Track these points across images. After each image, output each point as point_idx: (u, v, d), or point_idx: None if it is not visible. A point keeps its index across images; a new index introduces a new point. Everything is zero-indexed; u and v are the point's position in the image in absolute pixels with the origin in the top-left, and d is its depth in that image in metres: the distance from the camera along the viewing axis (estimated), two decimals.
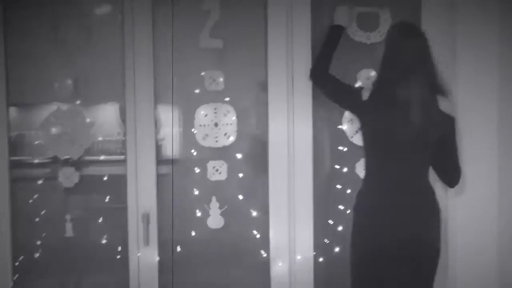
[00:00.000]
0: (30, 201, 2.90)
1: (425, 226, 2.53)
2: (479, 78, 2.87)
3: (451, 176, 2.65)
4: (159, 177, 2.94)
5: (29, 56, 2.89)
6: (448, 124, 2.55)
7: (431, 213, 2.56)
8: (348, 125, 2.97)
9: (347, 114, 2.97)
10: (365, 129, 2.58)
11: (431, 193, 2.57)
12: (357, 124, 2.87)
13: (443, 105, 2.53)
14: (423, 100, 2.47)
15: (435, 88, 2.54)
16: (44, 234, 2.92)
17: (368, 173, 2.59)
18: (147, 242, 2.91)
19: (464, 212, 2.89)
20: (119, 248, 2.92)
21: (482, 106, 2.88)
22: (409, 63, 2.47)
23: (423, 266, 2.55)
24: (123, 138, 2.91)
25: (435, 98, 2.52)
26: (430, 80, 2.50)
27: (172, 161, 2.96)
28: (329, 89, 2.70)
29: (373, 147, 2.56)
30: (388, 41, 2.53)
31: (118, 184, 2.92)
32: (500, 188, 2.88)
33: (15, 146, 2.97)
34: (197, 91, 2.94)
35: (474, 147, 2.86)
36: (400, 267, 2.51)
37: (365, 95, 2.55)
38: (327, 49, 2.75)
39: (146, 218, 2.90)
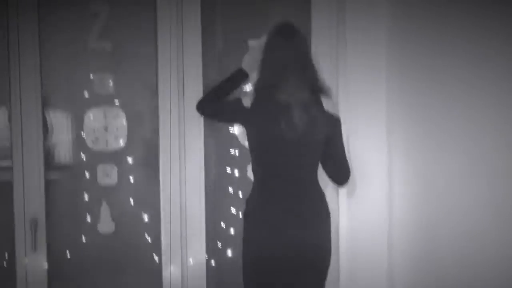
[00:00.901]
0: None
1: (314, 230, 2.53)
2: (367, 79, 2.86)
3: (340, 174, 2.64)
4: (49, 182, 2.87)
5: None
6: (333, 124, 2.55)
7: (320, 216, 2.55)
8: (240, 128, 2.96)
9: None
10: (250, 136, 2.55)
11: (320, 196, 2.56)
12: None
13: (327, 105, 2.52)
14: (305, 101, 2.46)
15: (317, 89, 2.53)
16: None
17: (256, 179, 2.57)
18: (35, 248, 2.84)
19: (354, 213, 2.90)
20: (6, 255, 2.84)
21: (370, 107, 2.88)
22: (287, 65, 2.45)
23: (314, 269, 2.54)
24: (7, 144, 2.83)
25: (318, 99, 2.51)
26: (310, 81, 2.49)
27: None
28: (217, 116, 2.69)
29: (259, 153, 2.54)
30: (266, 43, 2.51)
31: (5, 191, 2.84)
32: (390, 189, 2.89)
33: None
34: (86, 94, 2.88)
35: (364, 148, 2.86)
36: (290, 272, 2.49)
37: (247, 102, 2.50)
38: (225, 87, 2.64)
39: (34, 224, 2.83)
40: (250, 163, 2.82)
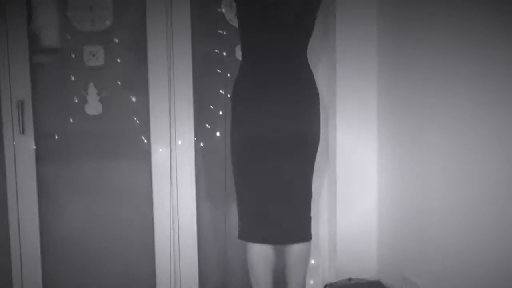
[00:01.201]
0: None
1: (303, 112, 2.50)
2: (358, 77, 2.84)
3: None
4: (35, 65, 2.85)
5: None
6: None
7: (309, 98, 2.53)
8: (227, 8, 2.91)
9: None
10: (242, 10, 2.50)
11: (309, 76, 2.53)
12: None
13: None
14: None
15: None
16: None
17: (244, 57, 2.53)
18: (22, 130, 2.82)
19: (345, 211, 2.90)
20: None
21: (361, 105, 2.86)
22: None
23: (302, 153, 2.52)
24: None
25: None
26: None
27: None
28: None
29: (249, 25, 2.49)
30: None
31: None
32: (379, 185, 2.87)
33: None
34: None
35: (354, 145, 2.86)
36: (279, 154, 2.47)
37: None
38: None
39: (20, 106, 2.81)
40: (238, 44, 2.80)
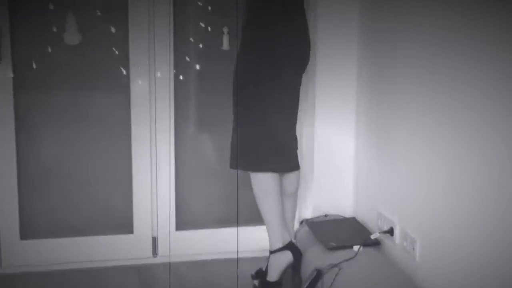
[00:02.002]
0: None
1: None
2: (339, 70, 2.87)
3: None
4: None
5: None
6: None
7: None
8: None
9: None
10: None
11: None
12: None
13: None
14: None
15: None
16: None
17: None
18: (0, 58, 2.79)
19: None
20: None
21: (340, 98, 2.90)
22: None
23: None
24: None
25: None
26: None
27: None
28: None
29: None
30: None
31: None
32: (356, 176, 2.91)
33: None
34: None
35: (332, 137, 2.91)
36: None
37: None
38: None
39: None
40: None
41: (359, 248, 2.45)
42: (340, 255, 2.40)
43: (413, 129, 2.28)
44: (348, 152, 2.90)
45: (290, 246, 2.48)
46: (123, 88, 2.91)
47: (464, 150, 1.92)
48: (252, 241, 2.91)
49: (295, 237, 2.75)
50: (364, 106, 2.80)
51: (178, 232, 3.01)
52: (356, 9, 2.82)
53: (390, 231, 2.46)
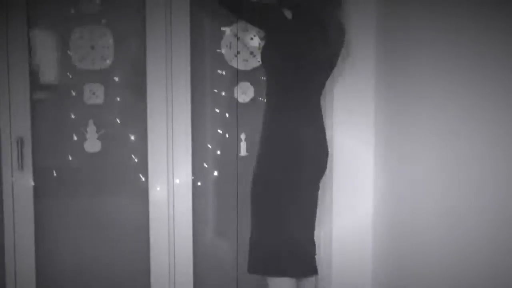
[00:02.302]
0: None
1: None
2: (357, 79, 2.86)
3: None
4: (35, 102, 2.87)
5: None
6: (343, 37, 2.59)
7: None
8: (227, 49, 2.95)
9: (226, 37, 2.93)
10: (280, 48, 2.46)
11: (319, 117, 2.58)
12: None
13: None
14: (335, 17, 2.51)
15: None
16: None
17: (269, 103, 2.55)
18: (21, 167, 2.84)
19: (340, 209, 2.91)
20: None
21: (359, 105, 2.88)
22: None
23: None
24: None
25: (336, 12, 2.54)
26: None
27: None
28: (246, 14, 2.50)
29: (284, 70, 2.48)
30: None
31: None
32: (374, 185, 2.90)
33: None
34: (72, 11, 2.87)
35: (351, 145, 2.88)
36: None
37: (288, 15, 2.41)
38: None
39: (20, 143, 2.83)
40: (237, 85, 2.81)
41: None
42: None
43: None
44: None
45: None
46: (142, 193, 2.93)
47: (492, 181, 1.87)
48: None
49: None
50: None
51: None
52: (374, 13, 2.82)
53: None
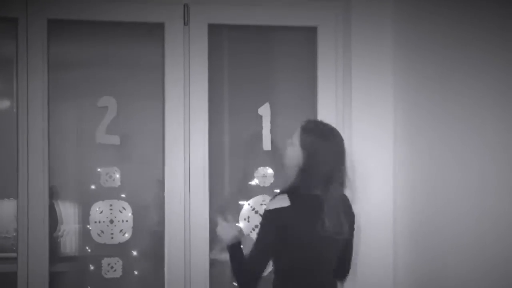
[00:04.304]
0: None
1: None
2: (376, 84, 2.94)
3: (344, 273, 2.57)
4: (53, 274, 2.89)
5: None
6: (353, 222, 2.47)
7: None
8: (245, 223, 2.95)
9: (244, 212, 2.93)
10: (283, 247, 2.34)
11: None
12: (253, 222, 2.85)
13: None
14: (338, 197, 2.37)
15: (345, 184, 2.43)
16: None
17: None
18: None
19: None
20: None
21: (378, 112, 2.95)
22: (332, 168, 2.32)
23: None
24: (15, 235, 2.87)
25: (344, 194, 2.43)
26: (343, 178, 2.39)
27: None
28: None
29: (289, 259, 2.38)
30: (305, 146, 2.35)
31: (10, 282, 2.86)
32: (394, 193, 2.91)
33: None
34: (93, 187, 2.91)
35: (369, 152, 2.91)
36: None
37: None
38: (234, 264, 2.34)
39: None
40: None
41: None
42: None
43: None
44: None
45: None
46: None
47: None
48: None
49: None
50: None
51: None
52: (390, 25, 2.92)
53: None
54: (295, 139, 2.36)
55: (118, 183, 2.95)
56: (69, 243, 3.00)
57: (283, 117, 3.02)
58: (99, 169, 2.95)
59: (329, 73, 3.07)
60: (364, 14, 2.96)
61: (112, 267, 2.93)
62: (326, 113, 2.98)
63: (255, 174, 3.03)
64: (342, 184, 2.39)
